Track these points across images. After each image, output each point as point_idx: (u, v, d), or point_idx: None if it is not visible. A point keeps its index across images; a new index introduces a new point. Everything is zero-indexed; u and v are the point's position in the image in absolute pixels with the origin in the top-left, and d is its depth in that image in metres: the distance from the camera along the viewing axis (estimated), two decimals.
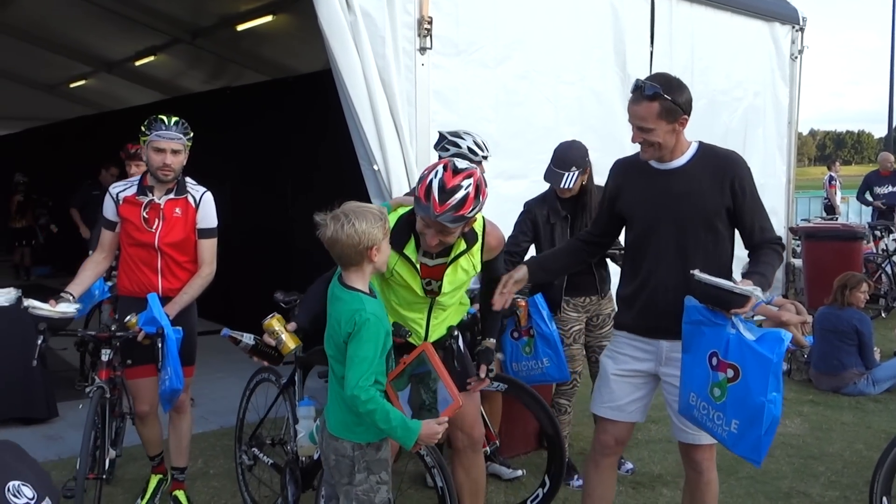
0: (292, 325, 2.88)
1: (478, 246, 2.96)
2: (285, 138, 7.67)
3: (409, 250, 2.88)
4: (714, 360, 2.71)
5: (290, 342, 2.84)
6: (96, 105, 15.47)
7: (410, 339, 2.98)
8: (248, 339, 2.94)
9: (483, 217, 3.01)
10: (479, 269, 3.03)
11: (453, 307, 3.13)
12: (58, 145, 13.83)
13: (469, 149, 4.02)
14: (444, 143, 4.07)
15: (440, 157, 4.06)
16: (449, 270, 2.93)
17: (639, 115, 2.82)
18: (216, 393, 5.83)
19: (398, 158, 5.15)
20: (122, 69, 13.68)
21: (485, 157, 4.12)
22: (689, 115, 2.84)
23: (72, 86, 15.48)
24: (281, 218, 7.57)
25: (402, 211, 2.92)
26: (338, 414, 2.60)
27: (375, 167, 5.08)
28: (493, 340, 3.22)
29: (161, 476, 3.95)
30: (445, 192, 2.64)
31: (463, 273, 2.97)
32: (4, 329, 4.96)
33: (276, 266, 7.58)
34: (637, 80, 2.84)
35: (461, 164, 2.75)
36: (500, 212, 4.59)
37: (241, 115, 8.28)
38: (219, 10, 10.31)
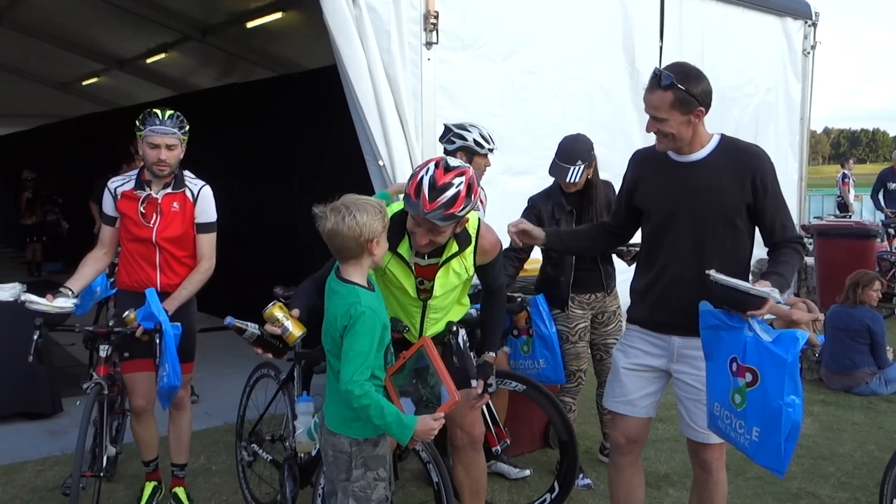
0: (296, 312, 2.69)
1: (470, 248, 2.90)
2: (291, 134, 7.65)
3: (403, 249, 2.83)
4: (734, 366, 2.61)
5: (295, 330, 2.65)
6: (107, 102, 15.58)
7: (407, 336, 2.94)
8: (252, 328, 2.76)
9: (479, 219, 2.95)
10: (471, 272, 2.96)
11: (447, 310, 3.08)
12: (69, 142, 13.88)
13: (475, 141, 3.97)
14: (450, 135, 4.02)
15: (445, 151, 4.03)
16: (440, 272, 2.88)
17: (652, 104, 2.77)
18: (220, 389, 5.80)
19: (403, 154, 5.10)
20: (133, 66, 13.81)
21: (491, 150, 4.08)
22: (705, 107, 2.77)
23: (84, 83, 15.62)
24: (288, 213, 7.56)
25: (395, 208, 2.86)
26: (335, 409, 2.57)
27: (380, 163, 5.03)
28: (492, 354, 3.13)
29: (156, 483, 3.85)
30: (436, 190, 2.59)
31: (455, 276, 2.91)
32: (9, 324, 4.97)
33: (284, 261, 7.55)
34: (655, 69, 2.78)
35: (453, 161, 2.70)
36: (507, 208, 4.56)
37: (248, 111, 8.28)
38: (229, 7, 10.36)
